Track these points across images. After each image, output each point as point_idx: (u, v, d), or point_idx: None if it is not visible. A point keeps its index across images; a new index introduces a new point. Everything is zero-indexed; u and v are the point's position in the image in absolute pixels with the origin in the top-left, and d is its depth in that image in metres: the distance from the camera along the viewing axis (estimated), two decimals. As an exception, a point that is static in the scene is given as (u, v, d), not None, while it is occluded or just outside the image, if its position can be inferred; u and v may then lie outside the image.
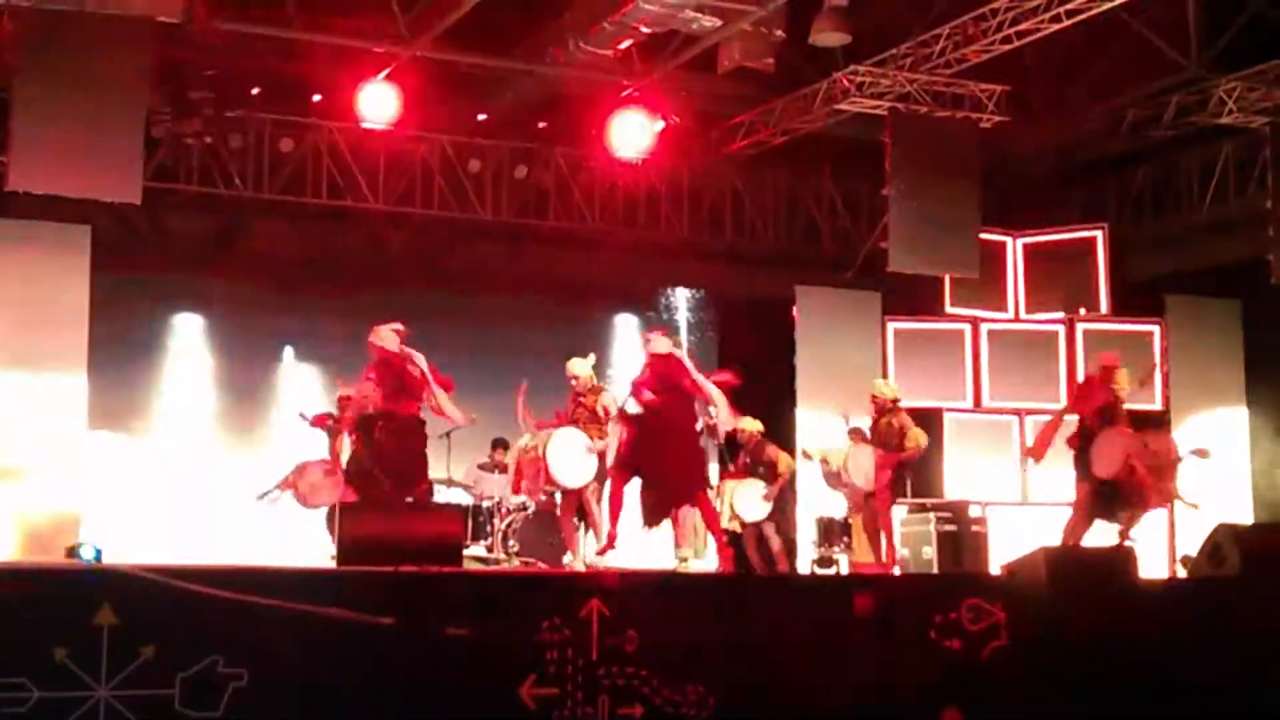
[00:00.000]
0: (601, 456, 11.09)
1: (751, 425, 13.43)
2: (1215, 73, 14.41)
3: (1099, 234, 16.16)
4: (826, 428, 14.90)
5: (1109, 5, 12.73)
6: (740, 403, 13.06)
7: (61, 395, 13.39)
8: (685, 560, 11.29)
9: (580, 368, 11.58)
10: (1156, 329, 15.97)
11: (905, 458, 12.64)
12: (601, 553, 10.93)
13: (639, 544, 12.69)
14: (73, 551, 11.08)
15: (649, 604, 7.56)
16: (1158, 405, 15.62)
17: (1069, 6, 12.83)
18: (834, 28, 13.45)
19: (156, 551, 11.80)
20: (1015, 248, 16.34)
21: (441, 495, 13.30)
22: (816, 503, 14.93)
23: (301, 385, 15.50)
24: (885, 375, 15.58)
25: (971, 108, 14.96)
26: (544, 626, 7.27)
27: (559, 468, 11.10)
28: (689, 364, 10.58)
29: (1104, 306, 16.05)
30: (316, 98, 15.12)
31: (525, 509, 13.04)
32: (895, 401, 12.82)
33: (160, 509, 14.01)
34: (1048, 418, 12.23)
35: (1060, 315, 16.16)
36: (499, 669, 7.12)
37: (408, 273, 15.91)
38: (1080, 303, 16.14)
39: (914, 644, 8.01)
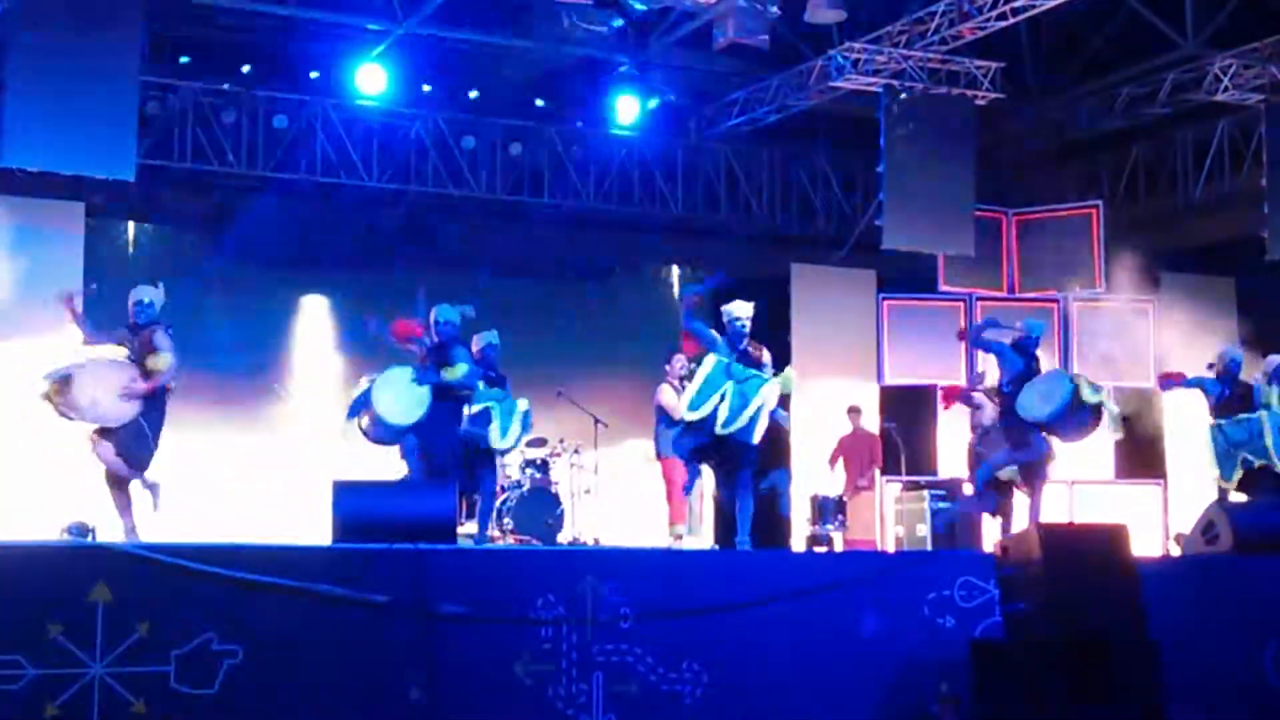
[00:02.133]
0: None
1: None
2: (1211, 50, 14.38)
3: (1094, 211, 16.13)
4: (822, 404, 14.93)
5: (1105, -19, 12.72)
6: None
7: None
8: (680, 537, 11.32)
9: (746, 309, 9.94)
10: (1151, 306, 15.97)
11: None
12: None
13: (633, 521, 12.71)
14: (68, 528, 11.03)
15: (643, 581, 7.58)
16: (1151, 383, 15.64)
17: (1064, -17, 12.82)
18: (829, 4, 13.40)
19: (152, 528, 11.75)
20: (1010, 225, 16.33)
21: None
22: (810, 480, 14.95)
23: (299, 359, 15.48)
24: (879, 353, 15.60)
25: (967, 85, 14.91)
26: (538, 603, 7.29)
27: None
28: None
29: (1099, 284, 16.03)
30: (313, 74, 15.07)
31: (520, 486, 13.02)
32: None
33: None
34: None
35: (1055, 293, 16.14)
36: (493, 645, 7.14)
37: (401, 250, 15.85)
38: (1075, 280, 16.12)
39: (908, 621, 8.03)
